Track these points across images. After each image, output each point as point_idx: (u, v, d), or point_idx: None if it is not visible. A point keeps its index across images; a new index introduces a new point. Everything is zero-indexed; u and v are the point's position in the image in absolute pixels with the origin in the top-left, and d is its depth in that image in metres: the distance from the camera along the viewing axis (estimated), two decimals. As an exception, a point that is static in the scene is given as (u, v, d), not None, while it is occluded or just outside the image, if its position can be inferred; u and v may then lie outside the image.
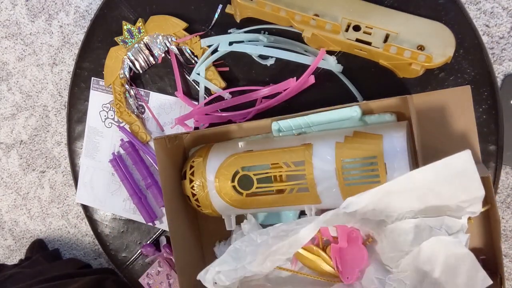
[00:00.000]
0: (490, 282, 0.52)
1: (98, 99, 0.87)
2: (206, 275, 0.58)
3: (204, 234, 0.80)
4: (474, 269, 0.53)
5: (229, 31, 0.79)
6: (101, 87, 0.87)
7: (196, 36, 0.80)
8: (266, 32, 0.78)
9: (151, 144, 0.85)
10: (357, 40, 0.70)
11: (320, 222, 0.53)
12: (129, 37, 0.82)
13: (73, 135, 0.90)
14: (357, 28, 0.70)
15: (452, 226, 0.55)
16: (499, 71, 1.23)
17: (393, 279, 0.60)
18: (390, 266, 0.61)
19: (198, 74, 0.80)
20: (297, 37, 0.76)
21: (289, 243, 0.53)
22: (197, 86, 0.82)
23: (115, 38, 0.83)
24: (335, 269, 0.67)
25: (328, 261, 0.67)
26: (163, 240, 0.84)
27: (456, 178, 0.51)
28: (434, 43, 0.67)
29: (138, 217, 0.86)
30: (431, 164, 0.49)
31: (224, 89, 0.79)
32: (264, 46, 0.76)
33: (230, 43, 0.78)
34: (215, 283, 0.58)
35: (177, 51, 0.81)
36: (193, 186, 0.70)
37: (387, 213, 0.57)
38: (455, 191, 0.52)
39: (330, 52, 0.74)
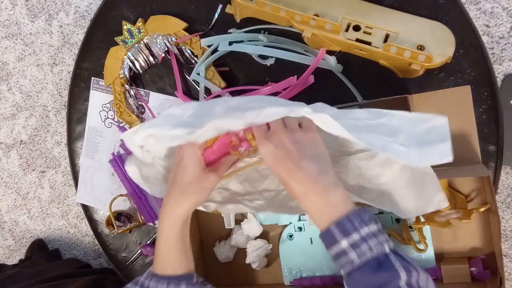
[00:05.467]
0: (446, 204, 0.51)
1: (98, 99, 0.87)
2: (134, 136, 0.50)
3: (204, 234, 0.80)
4: (434, 187, 0.51)
5: (229, 31, 0.79)
6: (101, 87, 0.87)
7: (196, 36, 0.80)
8: (266, 32, 0.78)
9: (151, 144, 0.85)
10: (357, 40, 0.70)
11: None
12: (129, 37, 0.82)
13: (73, 135, 0.90)
14: (357, 28, 0.70)
15: None
16: (499, 71, 1.23)
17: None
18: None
19: (198, 74, 0.80)
20: (297, 37, 0.76)
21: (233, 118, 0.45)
22: (197, 86, 0.82)
23: (115, 38, 0.83)
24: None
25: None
26: (163, 240, 0.84)
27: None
28: (434, 43, 0.67)
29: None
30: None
31: (224, 89, 0.79)
32: (264, 46, 0.76)
33: (230, 43, 0.78)
34: (142, 146, 0.51)
35: (177, 51, 0.81)
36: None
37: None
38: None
39: (330, 52, 0.74)
